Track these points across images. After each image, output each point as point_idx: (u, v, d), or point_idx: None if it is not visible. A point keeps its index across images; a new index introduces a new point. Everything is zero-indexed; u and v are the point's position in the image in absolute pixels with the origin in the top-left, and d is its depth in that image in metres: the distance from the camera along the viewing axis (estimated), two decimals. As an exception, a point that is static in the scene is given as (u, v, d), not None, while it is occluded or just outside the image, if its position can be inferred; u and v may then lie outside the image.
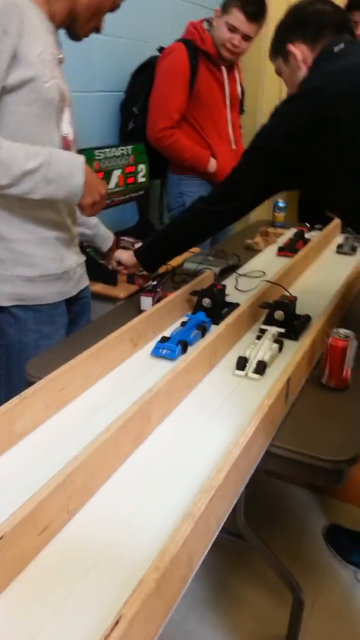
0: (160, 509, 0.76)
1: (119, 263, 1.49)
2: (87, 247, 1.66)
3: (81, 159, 1.17)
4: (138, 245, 1.96)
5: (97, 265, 1.71)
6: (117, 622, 0.51)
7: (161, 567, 0.57)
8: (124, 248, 1.89)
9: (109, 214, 1.40)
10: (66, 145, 1.22)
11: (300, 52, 1.15)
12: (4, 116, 1.08)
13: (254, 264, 1.83)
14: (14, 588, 0.63)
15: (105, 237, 1.57)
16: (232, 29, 1.93)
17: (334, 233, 2.12)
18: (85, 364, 1.05)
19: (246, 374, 1.11)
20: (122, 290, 1.72)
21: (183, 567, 0.62)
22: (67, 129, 1.22)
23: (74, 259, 1.32)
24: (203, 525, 0.66)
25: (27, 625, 0.59)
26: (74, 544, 0.70)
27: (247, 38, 1.97)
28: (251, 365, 1.12)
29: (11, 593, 0.63)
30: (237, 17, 1.91)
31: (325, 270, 1.78)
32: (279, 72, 1.24)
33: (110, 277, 1.73)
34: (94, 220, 1.52)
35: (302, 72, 1.16)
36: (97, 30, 1.25)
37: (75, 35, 1.23)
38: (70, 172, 1.13)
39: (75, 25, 1.20)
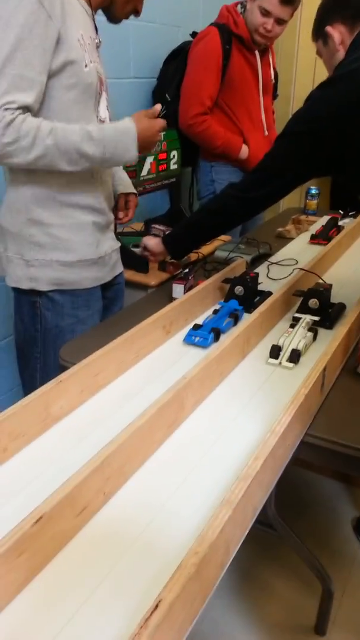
0: (194, 495, 0.76)
1: (146, 249, 1.49)
2: (120, 234, 1.65)
3: (133, 130, 1.15)
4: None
5: (130, 253, 1.72)
6: (156, 606, 0.51)
7: (200, 552, 0.57)
8: (155, 235, 1.89)
9: (140, 202, 1.40)
10: None
11: (338, 33, 1.12)
12: (46, 101, 1.08)
13: (285, 252, 1.81)
14: (54, 567, 0.65)
15: (124, 179, 1.48)
16: (265, 12, 1.89)
17: (369, 221, 2.07)
18: (119, 350, 1.05)
19: (280, 363, 1.10)
20: (153, 278, 1.71)
21: (221, 553, 0.63)
22: (104, 112, 1.23)
23: (110, 245, 1.33)
24: (240, 513, 0.66)
25: (66, 604, 0.60)
26: (111, 526, 0.71)
27: (280, 22, 1.92)
28: (285, 353, 1.10)
29: (50, 573, 0.64)
30: (270, 1, 1.87)
31: (360, 259, 1.74)
32: (319, 54, 1.22)
33: (141, 265, 1.73)
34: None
35: (340, 54, 1.14)
36: (137, 13, 1.23)
37: (114, 17, 1.22)
38: (125, 147, 1.14)
39: (114, 7, 1.19)
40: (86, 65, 1.10)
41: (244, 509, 0.67)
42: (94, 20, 1.19)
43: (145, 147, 1.19)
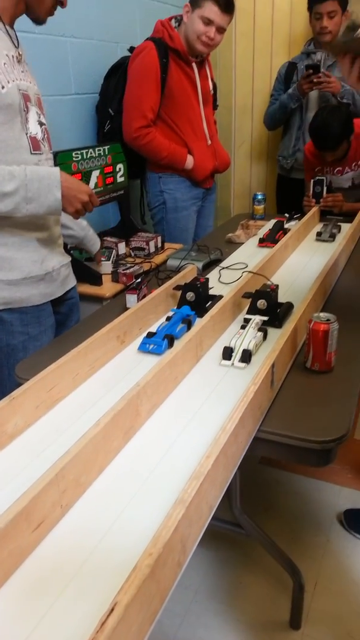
0: (153, 499, 0.77)
1: None
2: (72, 249, 1.67)
3: (57, 173, 1.17)
4: (121, 245, 1.97)
5: (82, 265, 1.72)
6: (112, 609, 0.52)
7: (155, 553, 0.58)
8: (107, 248, 1.90)
9: (90, 216, 1.41)
10: (35, 145, 1.21)
11: None
12: None
13: (236, 256, 1.85)
14: (13, 583, 0.64)
15: (94, 239, 1.60)
16: (208, 21, 1.95)
17: (313, 221, 2.15)
18: (73, 362, 1.05)
19: (232, 364, 1.12)
20: (107, 290, 1.72)
21: (177, 552, 0.64)
22: (34, 128, 1.21)
23: (58, 260, 1.33)
24: (194, 511, 0.67)
25: (27, 618, 0.60)
26: (69, 539, 0.71)
27: (221, 30, 1.99)
28: (237, 354, 1.13)
29: (10, 588, 0.64)
30: (211, 10, 1.93)
31: (306, 258, 1.80)
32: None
33: (94, 277, 1.73)
34: (84, 222, 1.53)
35: None
36: (61, 4, 1.20)
37: (38, 18, 1.20)
38: (48, 188, 1.15)
39: (33, 10, 1.17)
40: (3, 87, 1.10)
41: (198, 507, 0.68)
42: (9, 34, 1.17)
43: (69, 200, 1.18)
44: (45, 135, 1.27)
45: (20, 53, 1.20)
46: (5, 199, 1.10)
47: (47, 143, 1.27)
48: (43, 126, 1.25)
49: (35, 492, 0.68)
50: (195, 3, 1.95)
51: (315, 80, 2.33)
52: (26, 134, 1.19)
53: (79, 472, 0.76)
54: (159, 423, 0.95)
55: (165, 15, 2.13)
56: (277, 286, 1.33)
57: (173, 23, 2.05)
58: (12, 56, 1.16)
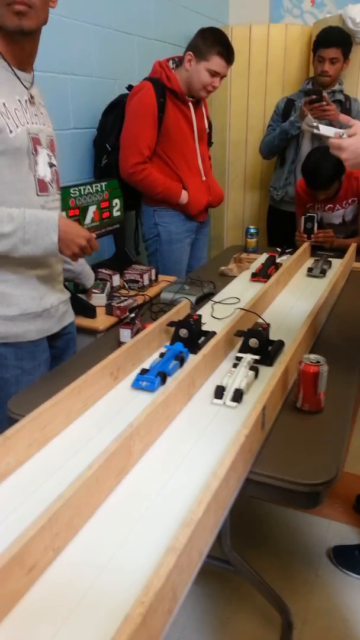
0: (144, 543, 0.78)
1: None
2: (66, 280, 1.69)
3: (55, 217, 1.20)
4: (116, 277, 2.00)
5: (76, 298, 1.75)
6: (105, 659, 0.53)
7: (146, 602, 0.60)
8: (102, 280, 1.93)
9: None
10: (42, 187, 1.25)
11: None
12: None
13: (228, 290, 1.88)
14: (4, 628, 0.65)
15: (90, 274, 1.63)
16: (214, 73, 2.05)
17: (304, 257, 2.20)
18: (67, 400, 1.07)
19: (224, 403, 1.14)
20: (101, 323, 1.74)
21: (168, 600, 0.65)
22: (43, 170, 1.25)
23: (56, 297, 1.35)
24: (186, 559, 0.68)
25: (18, 667, 0.60)
26: (61, 582, 0.72)
27: (222, 78, 2.09)
28: (228, 393, 1.15)
29: (1, 633, 0.64)
30: (218, 64, 2.04)
31: (297, 294, 1.84)
32: None
33: (89, 310, 1.76)
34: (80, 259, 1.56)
35: None
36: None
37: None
38: (46, 231, 1.18)
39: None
40: (11, 131, 1.13)
41: (189, 555, 0.69)
42: (18, 77, 1.19)
43: (66, 243, 1.21)
44: (55, 177, 1.30)
45: (33, 95, 1.23)
46: (3, 240, 1.13)
47: (55, 184, 1.30)
48: (53, 167, 1.29)
49: (28, 537, 0.69)
50: (200, 55, 2.04)
51: (316, 106, 2.39)
52: (34, 176, 1.22)
53: (71, 515, 0.77)
54: (151, 463, 0.96)
55: (163, 53, 2.21)
56: (268, 325, 1.36)
57: (171, 64, 2.13)
58: (25, 100, 1.20)
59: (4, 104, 1.13)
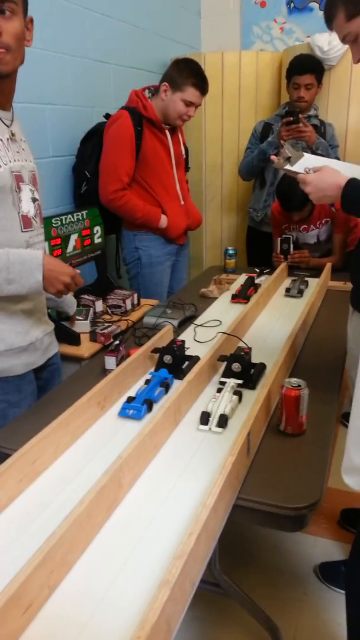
0: (137, 575, 0.80)
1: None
2: (49, 309, 1.71)
3: (39, 257, 1.22)
4: (98, 302, 2.03)
5: (60, 325, 1.76)
6: None
7: (142, 636, 0.62)
8: (85, 306, 1.95)
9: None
10: (26, 223, 1.27)
11: None
12: None
13: (210, 313, 1.92)
14: (3, 672, 0.66)
15: (72, 302, 1.65)
16: (189, 103, 2.13)
17: (282, 277, 2.25)
18: (55, 433, 1.08)
19: (210, 429, 1.17)
20: (85, 350, 1.76)
21: (163, 632, 0.67)
22: (26, 207, 1.27)
23: (42, 329, 1.36)
24: (179, 590, 0.71)
25: None
26: (57, 618, 0.73)
27: (197, 107, 2.17)
28: (214, 419, 1.18)
29: None
30: (193, 94, 2.12)
31: (276, 315, 1.88)
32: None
33: (73, 337, 1.77)
34: None
35: None
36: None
37: None
38: (30, 271, 1.20)
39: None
40: None
41: (182, 586, 0.72)
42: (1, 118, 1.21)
43: (50, 281, 1.23)
44: (38, 211, 1.32)
45: (14, 132, 1.25)
46: None
47: (39, 218, 1.33)
48: (36, 202, 1.31)
49: (24, 576, 0.70)
50: (176, 86, 2.11)
51: (293, 127, 2.45)
52: (18, 213, 1.24)
53: (65, 551, 0.79)
54: (141, 494, 0.98)
55: (139, 80, 2.27)
56: (250, 349, 1.40)
57: (147, 93, 2.18)
58: (7, 139, 1.22)
59: None
